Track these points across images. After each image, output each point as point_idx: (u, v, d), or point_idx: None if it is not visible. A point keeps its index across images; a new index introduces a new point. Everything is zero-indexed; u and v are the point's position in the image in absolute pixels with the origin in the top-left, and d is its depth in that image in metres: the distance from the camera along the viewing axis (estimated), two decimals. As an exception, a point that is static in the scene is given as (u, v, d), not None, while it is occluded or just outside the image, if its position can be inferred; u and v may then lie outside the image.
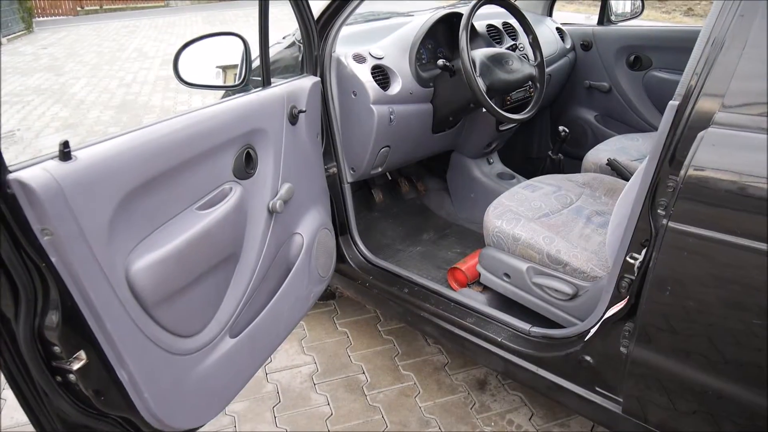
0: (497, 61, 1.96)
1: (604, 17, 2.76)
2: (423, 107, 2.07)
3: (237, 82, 1.57)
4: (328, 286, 2.07)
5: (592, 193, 1.92)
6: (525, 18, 2.11)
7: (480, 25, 2.30)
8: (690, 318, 1.19)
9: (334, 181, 2.01)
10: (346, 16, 1.83)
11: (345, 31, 2.08)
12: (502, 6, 2.08)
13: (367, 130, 1.91)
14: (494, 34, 2.34)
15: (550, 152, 2.28)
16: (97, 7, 19.74)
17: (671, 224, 1.14)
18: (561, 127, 2.22)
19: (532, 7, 2.86)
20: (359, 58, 1.90)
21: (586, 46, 2.78)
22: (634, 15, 2.78)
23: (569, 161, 2.90)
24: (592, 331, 1.44)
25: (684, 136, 1.13)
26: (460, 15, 1.97)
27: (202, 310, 1.32)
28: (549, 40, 2.64)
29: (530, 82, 2.11)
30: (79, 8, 19.30)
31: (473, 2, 1.95)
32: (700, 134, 1.09)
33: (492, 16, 2.39)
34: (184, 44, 1.56)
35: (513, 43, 2.33)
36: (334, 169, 2.00)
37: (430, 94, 2.07)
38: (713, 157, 1.07)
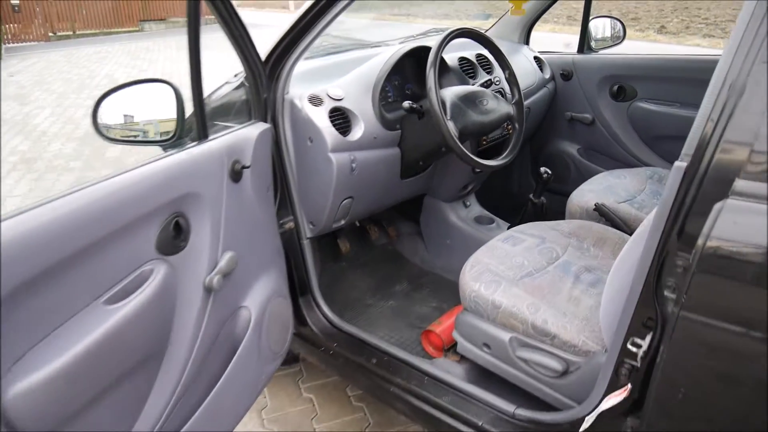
0: (470, 101, 1.76)
1: (584, 45, 2.59)
2: (389, 152, 1.86)
3: (168, 137, 1.35)
4: (291, 350, 1.84)
5: (579, 245, 1.72)
6: (500, 52, 1.92)
7: (451, 58, 2.10)
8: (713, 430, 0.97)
9: (292, 237, 1.79)
10: (300, 53, 1.62)
11: (302, 66, 1.87)
12: (474, 39, 1.89)
13: (326, 180, 1.69)
14: (467, 69, 2.14)
15: (531, 196, 2.08)
16: (70, 33, 19.40)
17: (684, 314, 0.93)
18: (543, 169, 2.02)
19: (508, 34, 2.69)
20: (315, 100, 1.68)
21: (567, 75, 2.61)
22: (616, 42, 2.61)
23: (552, 197, 2.71)
24: (588, 421, 1.22)
25: (695, 206, 0.92)
26: (428, 49, 1.78)
27: (115, 425, 1.08)
28: (527, 71, 2.46)
29: (508, 122, 1.91)
30: (51, 33, 18.94)
31: (441, 36, 1.75)
32: (716, 206, 0.88)
33: (464, 47, 2.20)
34: (104, 93, 1.33)
35: (488, 78, 2.14)
36: (291, 224, 1.78)
37: (397, 137, 1.86)
38: (735, 235, 0.87)
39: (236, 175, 1.38)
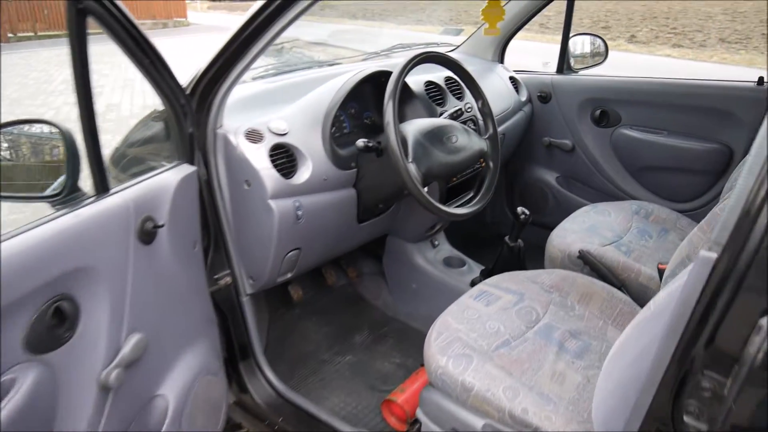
0: (436, 137, 1.52)
1: (564, 64, 2.37)
2: (343, 194, 1.60)
3: (56, 192, 1.07)
4: (231, 418, 1.58)
5: (562, 301, 1.49)
6: (472, 79, 1.68)
7: (416, 82, 1.85)
8: None
9: (229, 294, 1.53)
10: (234, 79, 1.35)
11: (243, 91, 1.61)
12: (442, 65, 1.65)
13: (266, 231, 1.43)
14: (435, 95, 1.89)
15: (507, 238, 1.84)
16: (31, 34, 18.73)
17: None
18: (520, 209, 1.79)
19: (481, 52, 2.46)
20: (254, 136, 1.42)
21: (545, 97, 2.39)
22: (597, 61, 2.40)
23: (528, 228, 2.50)
24: None
25: (730, 315, 0.69)
26: (388, 74, 1.53)
27: None
28: (501, 93, 2.23)
29: (481, 159, 1.67)
30: (10, 35, 18.26)
31: (403, 61, 1.51)
32: (762, 322, 0.65)
33: (432, 69, 1.95)
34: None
35: (459, 106, 1.89)
36: (229, 279, 1.51)
37: (352, 177, 1.61)
38: None
39: (147, 236, 1.11)
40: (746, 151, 1.99)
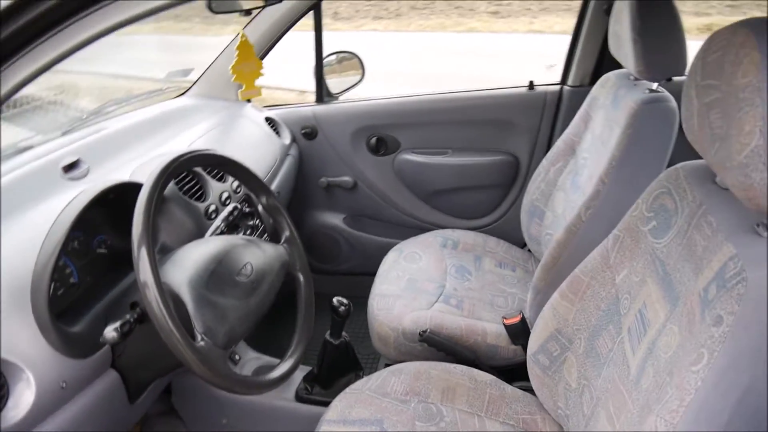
0: (220, 279, 1.01)
1: (323, 91, 2.03)
2: (98, 388, 1.01)
3: None
4: None
5: (426, 410, 1.21)
6: (246, 171, 1.17)
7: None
8: None
9: None
10: None
11: None
12: (214, 167, 1.11)
13: None
14: (187, 185, 1.36)
15: (328, 335, 1.46)
16: None
17: None
18: (336, 300, 1.42)
19: (220, 90, 1.97)
20: None
21: (310, 133, 2.03)
22: (354, 81, 2.09)
23: (321, 279, 2.14)
24: None
25: None
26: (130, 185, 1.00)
27: None
28: (262, 144, 1.81)
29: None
30: None
31: (150, 181, 0.96)
32: None
33: (166, 144, 1.45)
34: None
35: (226, 191, 1.40)
36: None
37: (105, 356, 1.05)
38: None
39: None
40: (531, 158, 1.91)
